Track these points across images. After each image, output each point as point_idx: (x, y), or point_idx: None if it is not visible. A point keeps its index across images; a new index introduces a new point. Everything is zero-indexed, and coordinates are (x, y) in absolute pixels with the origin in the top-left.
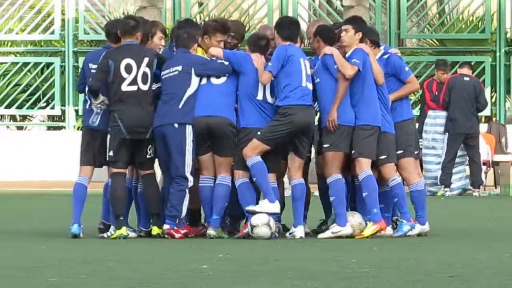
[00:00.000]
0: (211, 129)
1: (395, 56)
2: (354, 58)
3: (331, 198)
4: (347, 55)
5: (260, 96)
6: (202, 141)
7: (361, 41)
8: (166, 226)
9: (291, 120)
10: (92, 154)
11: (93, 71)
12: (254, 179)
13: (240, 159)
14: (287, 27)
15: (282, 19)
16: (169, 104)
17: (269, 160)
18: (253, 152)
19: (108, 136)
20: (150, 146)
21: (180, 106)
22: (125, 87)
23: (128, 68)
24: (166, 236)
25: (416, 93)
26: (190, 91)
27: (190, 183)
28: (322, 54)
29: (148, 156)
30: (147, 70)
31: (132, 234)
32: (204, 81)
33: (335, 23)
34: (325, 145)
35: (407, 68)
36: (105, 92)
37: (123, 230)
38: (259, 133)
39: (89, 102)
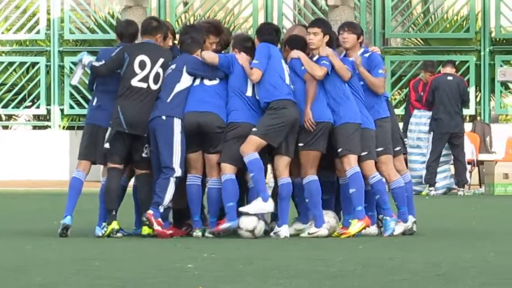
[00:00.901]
0: (201, 127)
1: (376, 54)
2: (323, 60)
3: (306, 200)
4: (314, 59)
5: (249, 93)
6: (191, 139)
7: (328, 44)
8: (149, 211)
9: (285, 113)
10: (94, 150)
11: None
12: (251, 175)
13: (227, 152)
14: (267, 32)
15: (264, 25)
16: (160, 100)
17: None
18: (250, 148)
19: (109, 129)
20: (147, 145)
21: (168, 100)
22: (135, 82)
23: (142, 65)
24: (145, 219)
25: (401, 92)
26: (179, 87)
27: (177, 174)
28: (289, 58)
29: (144, 155)
30: (160, 71)
31: (118, 234)
32: (197, 82)
33: None
34: (300, 144)
35: (380, 71)
36: (115, 86)
37: (114, 225)
38: (255, 129)
39: (96, 99)
